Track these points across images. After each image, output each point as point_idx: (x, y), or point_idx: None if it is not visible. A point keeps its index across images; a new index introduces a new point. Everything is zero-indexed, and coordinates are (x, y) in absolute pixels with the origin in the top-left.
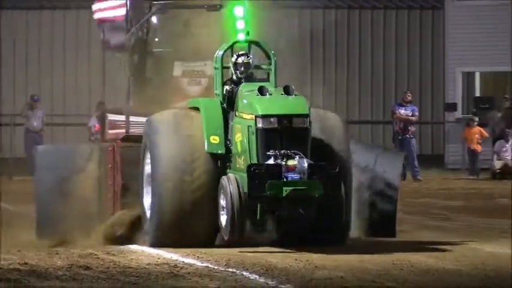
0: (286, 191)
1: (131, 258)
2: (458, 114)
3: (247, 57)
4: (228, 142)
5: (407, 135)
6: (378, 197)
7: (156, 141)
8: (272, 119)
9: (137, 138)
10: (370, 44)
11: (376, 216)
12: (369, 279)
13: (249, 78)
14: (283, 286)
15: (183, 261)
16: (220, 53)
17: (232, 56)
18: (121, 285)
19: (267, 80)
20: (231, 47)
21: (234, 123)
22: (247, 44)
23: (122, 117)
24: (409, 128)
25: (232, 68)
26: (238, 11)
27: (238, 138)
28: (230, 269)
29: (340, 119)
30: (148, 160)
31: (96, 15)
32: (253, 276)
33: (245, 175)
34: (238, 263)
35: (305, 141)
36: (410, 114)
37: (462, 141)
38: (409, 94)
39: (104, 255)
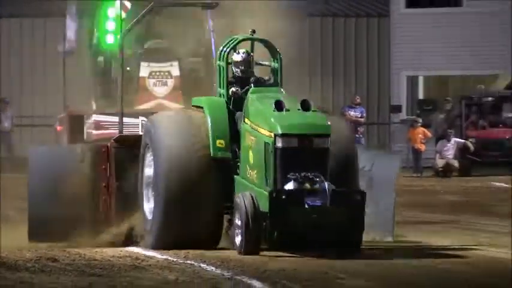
0: (308, 218)
1: (96, 251)
2: (403, 115)
3: (249, 55)
4: (234, 146)
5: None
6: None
7: (159, 141)
8: (292, 139)
9: (131, 139)
10: (319, 50)
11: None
12: (322, 271)
13: (258, 83)
14: (238, 277)
15: (144, 254)
16: (226, 50)
17: (234, 53)
18: (87, 276)
19: (275, 84)
20: (237, 44)
21: (244, 130)
22: (250, 42)
23: (108, 118)
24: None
25: (233, 66)
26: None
27: (251, 148)
28: (188, 261)
29: (347, 126)
30: (148, 160)
31: None
32: (210, 268)
33: (261, 191)
34: (197, 256)
35: (325, 162)
36: (359, 116)
37: (406, 141)
38: (358, 97)
39: (70, 248)
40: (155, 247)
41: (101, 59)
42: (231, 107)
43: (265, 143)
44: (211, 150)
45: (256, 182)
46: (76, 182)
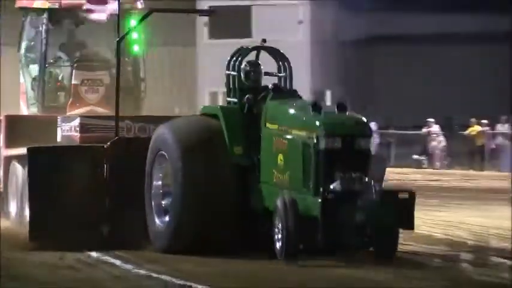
0: (360, 218)
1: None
2: None
3: (258, 65)
4: (252, 154)
5: None
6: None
7: (176, 151)
8: (336, 139)
9: (128, 141)
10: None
11: None
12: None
13: (277, 89)
14: (141, 271)
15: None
16: (239, 59)
17: (244, 63)
18: None
19: (293, 91)
20: (249, 53)
21: (269, 135)
22: (256, 51)
23: (94, 121)
24: None
25: (243, 76)
26: (133, 22)
27: (282, 152)
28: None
29: None
30: (160, 165)
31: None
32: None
33: (303, 194)
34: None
35: (367, 163)
36: None
37: None
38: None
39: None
40: (168, 250)
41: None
42: (244, 114)
43: (303, 144)
44: (230, 157)
45: (290, 186)
46: (75, 183)
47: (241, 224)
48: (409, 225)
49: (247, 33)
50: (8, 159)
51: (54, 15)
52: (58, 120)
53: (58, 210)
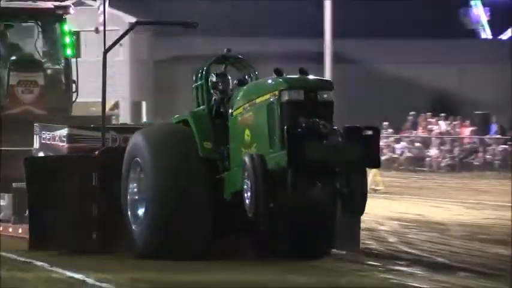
0: (327, 154)
1: None
2: None
3: (225, 76)
4: (221, 148)
5: None
6: None
7: (149, 153)
8: (299, 92)
9: (115, 151)
10: None
11: None
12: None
13: (241, 82)
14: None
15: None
16: (205, 69)
17: (211, 74)
18: None
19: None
20: (213, 63)
21: (234, 120)
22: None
23: (81, 132)
24: None
25: (211, 88)
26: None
27: (247, 126)
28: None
29: None
30: (135, 170)
31: None
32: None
33: (270, 155)
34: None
35: (330, 115)
36: None
37: None
38: None
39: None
40: (145, 255)
41: None
42: (213, 115)
43: (267, 105)
44: (200, 151)
45: (258, 150)
46: (68, 191)
47: (215, 218)
48: (374, 163)
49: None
50: None
51: None
52: (35, 127)
53: (55, 217)
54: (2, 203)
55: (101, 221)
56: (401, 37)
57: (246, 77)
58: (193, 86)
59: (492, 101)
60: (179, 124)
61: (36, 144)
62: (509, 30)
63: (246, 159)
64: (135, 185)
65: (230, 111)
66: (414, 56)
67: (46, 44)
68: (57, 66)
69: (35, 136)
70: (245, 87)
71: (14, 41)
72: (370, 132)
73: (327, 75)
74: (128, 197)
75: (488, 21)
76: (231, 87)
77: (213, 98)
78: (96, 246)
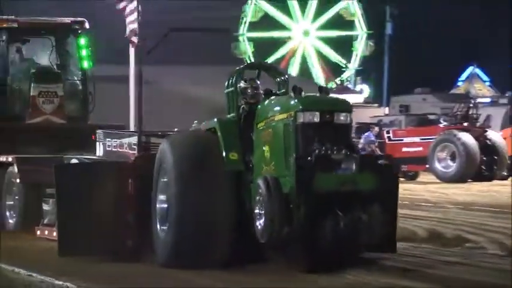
0: (337, 185)
1: None
2: None
3: (255, 82)
4: (247, 159)
5: None
6: None
7: (173, 161)
8: (314, 113)
9: (153, 157)
10: None
11: None
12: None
13: (268, 93)
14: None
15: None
16: (234, 77)
17: (241, 81)
18: None
19: (285, 93)
20: (245, 69)
21: (257, 134)
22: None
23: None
24: None
25: (240, 94)
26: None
27: (267, 143)
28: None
29: None
30: (163, 178)
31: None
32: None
33: (285, 178)
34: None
35: (348, 138)
36: None
37: None
38: None
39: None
40: (167, 266)
41: None
42: (241, 126)
43: (284, 125)
44: (225, 164)
45: (274, 171)
46: (102, 198)
47: (239, 228)
48: (391, 194)
49: None
50: None
51: (13, 33)
52: (98, 134)
53: (86, 223)
54: (46, 208)
55: (137, 229)
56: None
57: (276, 86)
58: (225, 92)
59: None
60: (207, 131)
61: (99, 152)
62: None
63: (260, 183)
64: (162, 192)
65: (255, 123)
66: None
67: (64, 57)
68: (75, 78)
69: (97, 143)
70: (267, 101)
71: (30, 55)
72: (384, 161)
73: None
74: (157, 205)
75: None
76: (261, 94)
77: (242, 106)
78: (130, 254)
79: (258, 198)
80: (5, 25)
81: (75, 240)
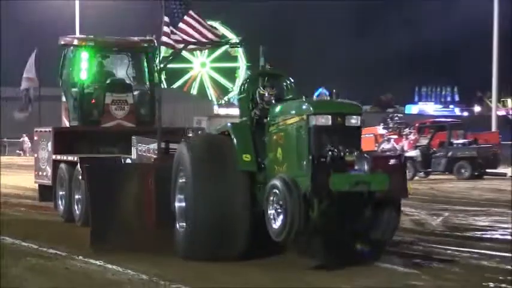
0: (351, 184)
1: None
2: None
3: (272, 88)
4: (259, 160)
5: None
6: None
7: (190, 162)
8: (326, 116)
9: (169, 159)
10: None
11: None
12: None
13: (279, 99)
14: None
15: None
16: (248, 83)
17: (259, 87)
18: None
19: (296, 97)
20: (257, 77)
21: (269, 136)
22: (268, 75)
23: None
24: None
25: (258, 99)
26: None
27: (279, 145)
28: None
29: None
30: (181, 179)
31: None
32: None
33: (298, 178)
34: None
35: (358, 140)
36: None
37: None
38: None
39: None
40: (187, 258)
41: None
42: (254, 129)
43: (296, 128)
44: (238, 166)
45: (288, 173)
46: (124, 196)
47: (253, 228)
48: (402, 193)
49: None
50: (57, 162)
51: (91, 50)
52: (133, 139)
53: (115, 220)
54: None
55: (159, 224)
56: None
57: (285, 92)
58: (237, 97)
59: None
60: (222, 134)
61: (134, 155)
62: None
63: (278, 182)
64: (181, 191)
65: (267, 126)
66: None
67: (134, 71)
68: (143, 88)
69: (132, 148)
70: (279, 105)
71: (109, 69)
72: (394, 161)
73: None
74: (176, 204)
75: None
76: (274, 99)
77: (254, 111)
78: (153, 247)
79: (272, 198)
80: (83, 43)
81: (105, 234)
